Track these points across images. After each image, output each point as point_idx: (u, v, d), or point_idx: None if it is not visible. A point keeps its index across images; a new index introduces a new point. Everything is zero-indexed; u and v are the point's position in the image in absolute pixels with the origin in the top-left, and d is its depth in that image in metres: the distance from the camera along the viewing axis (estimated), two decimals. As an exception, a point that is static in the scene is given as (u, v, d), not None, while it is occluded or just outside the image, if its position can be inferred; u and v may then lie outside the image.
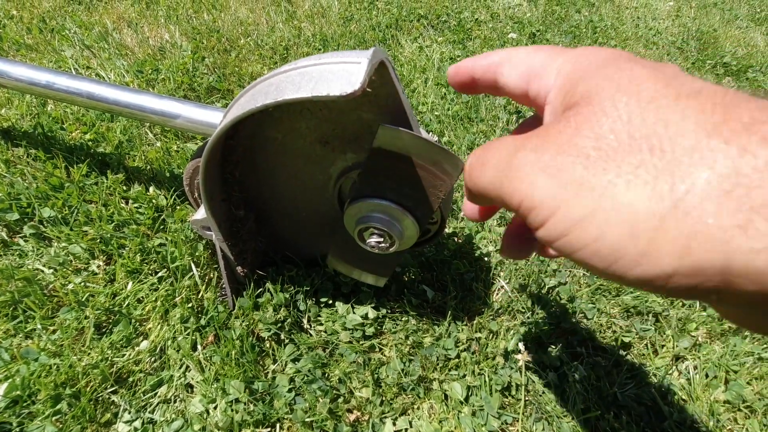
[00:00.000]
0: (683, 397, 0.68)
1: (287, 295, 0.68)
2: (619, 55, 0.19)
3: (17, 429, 0.53)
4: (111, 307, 0.65)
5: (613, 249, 0.15)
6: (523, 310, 0.75)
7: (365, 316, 0.70)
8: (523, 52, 0.24)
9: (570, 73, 0.20)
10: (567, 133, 0.17)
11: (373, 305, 0.71)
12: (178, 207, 0.81)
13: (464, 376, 0.66)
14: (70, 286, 0.67)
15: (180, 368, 0.62)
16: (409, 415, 0.62)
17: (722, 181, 0.13)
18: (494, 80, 0.25)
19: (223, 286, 0.67)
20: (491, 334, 0.71)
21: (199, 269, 0.70)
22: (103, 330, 0.64)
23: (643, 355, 0.73)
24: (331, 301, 0.71)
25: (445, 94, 1.28)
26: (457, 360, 0.67)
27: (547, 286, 0.79)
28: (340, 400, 0.61)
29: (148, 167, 0.89)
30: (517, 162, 0.18)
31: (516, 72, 0.24)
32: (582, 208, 0.16)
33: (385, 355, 0.68)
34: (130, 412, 0.57)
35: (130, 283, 0.69)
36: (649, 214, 0.14)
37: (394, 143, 0.43)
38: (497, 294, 0.78)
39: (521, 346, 0.69)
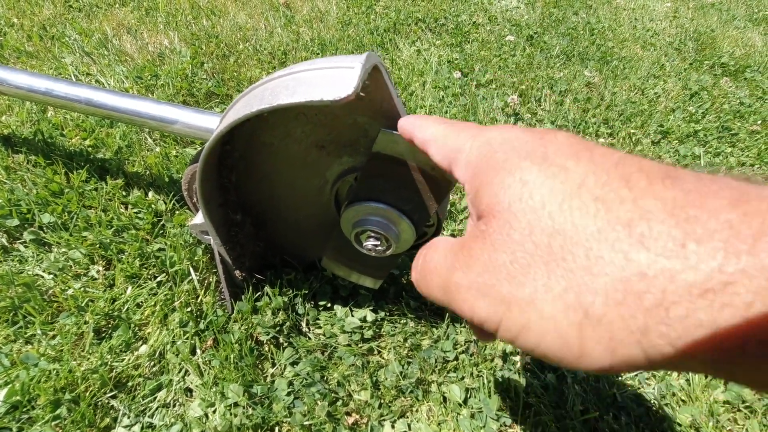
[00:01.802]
0: (682, 397, 0.68)
1: (286, 299, 0.68)
2: (512, 147, 0.21)
3: (17, 434, 0.53)
4: (110, 311, 0.66)
5: (555, 352, 0.17)
6: (522, 312, 0.75)
7: (364, 319, 0.70)
8: (441, 133, 0.27)
9: (474, 168, 0.23)
10: (486, 251, 0.20)
11: (371, 308, 0.71)
12: (177, 212, 0.82)
13: (463, 378, 0.66)
14: (70, 292, 0.67)
15: (179, 372, 0.62)
16: (407, 417, 0.62)
17: (616, 289, 0.15)
18: (428, 154, 0.29)
19: (222, 290, 0.67)
20: (490, 336, 0.71)
21: (197, 273, 0.71)
22: (103, 335, 0.64)
23: (642, 355, 0.73)
24: (329, 304, 0.72)
25: (443, 96, 1.29)
26: (455, 362, 0.67)
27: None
28: (339, 403, 0.62)
29: (147, 172, 0.89)
30: (454, 285, 0.21)
31: (439, 154, 0.27)
32: (517, 321, 0.18)
33: (383, 358, 0.68)
34: (129, 417, 0.57)
35: (130, 288, 0.69)
36: (570, 325, 0.17)
37: (394, 148, 0.43)
38: (496, 296, 0.78)
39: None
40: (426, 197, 0.47)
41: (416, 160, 0.44)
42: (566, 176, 0.18)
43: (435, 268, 0.23)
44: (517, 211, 0.19)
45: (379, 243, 0.51)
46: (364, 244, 0.52)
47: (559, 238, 0.17)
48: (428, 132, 0.29)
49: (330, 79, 0.37)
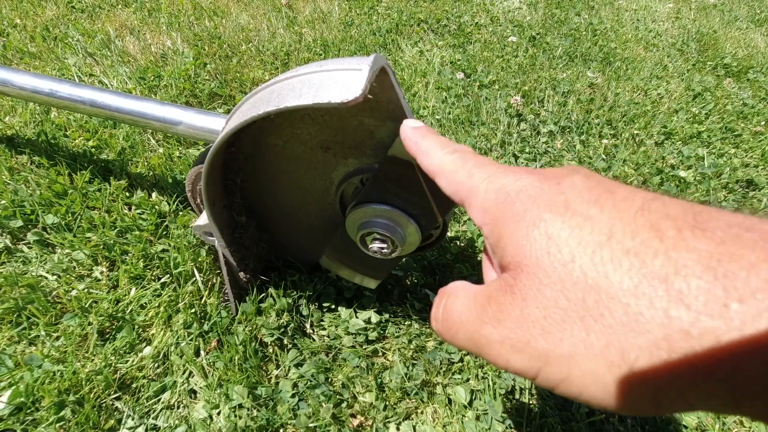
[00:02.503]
0: (688, 400, 0.68)
1: (290, 300, 0.68)
2: (530, 197, 0.21)
3: (21, 436, 0.53)
4: (114, 313, 0.65)
5: (598, 402, 0.18)
6: (526, 314, 0.74)
7: (368, 321, 0.70)
8: (451, 167, 0.27)
9: (492, 215, 0.22)
10: (518, 306, 0.19)
11: (375, 309, 0.71)
12: (181, 213, 0.82)
13: (468, 380, 0.65)
14: (74, 293, 0.67)
15: (183, 374, 0.62)
16: (412, 419, 0.62)
17: (659, 347, 0.15)
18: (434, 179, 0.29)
19: (226, 291, 0.67)
20: (494, 338, 0.71)
21: (201, 275, 0.71)
22: (107, 336, 0.64)
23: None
24: (333, 306, 0.71)
25: (446, 97, 1.29)
26: (460, 364, 0.67)
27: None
28: (344, 405, 0.61)
29: (151, 173, 0.89)
30: (485, 339, 0.21)
31: (449, 189, 0.27)
32: (557, 374, 0.18)
33: (388, 360, 0.68)
34: (133, 419, 0.57)
35: (133, 289, 0.69)
36: (615, 380, 0.17)
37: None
38: (500, 297, 0.78)
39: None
40: (435, 203, 0.47)
41: None
42: (592, 227, 0.18)
43: (460, 320, 0.23)
44: (546, 265, 0.18)
45: (385, 246, 0.51)
46: (370, 246, 0.52)
47: (593, 293, 0.17)
48: (435, 161, 0.28)
49: (337, 81, 0.37)
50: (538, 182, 0.21)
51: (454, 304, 0.24)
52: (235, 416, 0.58)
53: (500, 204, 0.22)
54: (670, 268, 0.15)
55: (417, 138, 0.32)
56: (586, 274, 0.17)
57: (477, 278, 0.79)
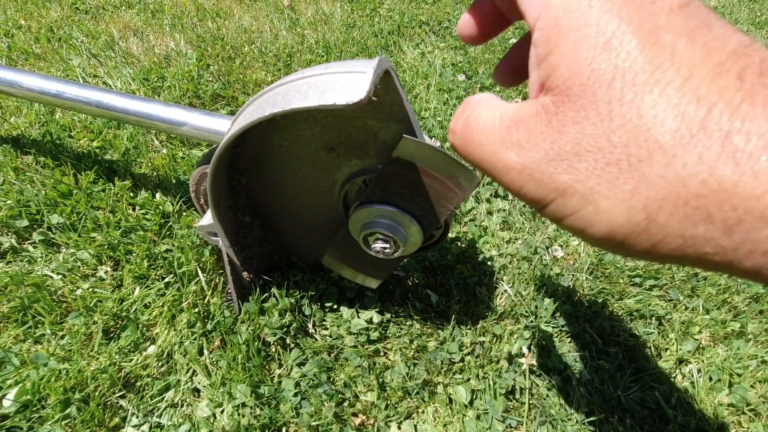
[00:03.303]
0: (687, 400, 0.68)
1: (292, 300, 0.69)
2: (617, 11, 0.17)
3: (27, 433, 0.54)
4: (119, 312, 0.66)
5: (598, 238, 0.17)
6: (527, 314, 0.75)
7: (370, 321, 0.70)
8: None
9: (555, 19, 0.18)
10: (550, 137, 0.17)
11: (377, 310, 0.71)
12: (185, 213, 0.82)
13: (468, 379, 0.66)
14: (79, 292, 0.68)
15: (187, 373, 0.62)
16: (413, 418, 0.62)
17: (686, 203, 0.15)
18: None
19: (229, 291, 0.67)
20: (495, 338, 0.72)
21: (205, 274, 0.71)
22: (111, 335, 0.65)
23: (647, 358, 0.73)
24: (335, 306, 0.72)
25: (447, 99, 1.29)
26: (461, 364, 0.68)
27: (550, 290, 0.79)
28: (346, 404, 0.62)
29: (155, 174, 0.90)
30: (503, 164, 0.19)
31: None
32: (569, 208, 0.18)
33: (389, 360, 0.68)
34: (138, 417, 0.58)
35: (138, 289, 0.70)
36: (624, 223, 0.16)
37: (414, 155, 0.44)
38: (500, 298, 0.78)
39: (525, 349, 0.70)
40: (439, 204, 0.48)
41: (435, 168, 0.45)
42: (672, 63, 0.15)
43: (480, 138, 0.20)
44: (600, 100, 0.16)
45: (387, 246, 0.52)
46: (373, 246, 0.53)
47: (641, 139, 0.15)
48: None
49: (342, 84, 0.38)
50: None
51: (477, 119, 0.21)
52: (239, 414, 0.58)
53: (570, 8, 0.17)
54: (735, 124, 0.14)
55: None
56: (642, 119, 0.15)
57: (478, 279, 0.79)
